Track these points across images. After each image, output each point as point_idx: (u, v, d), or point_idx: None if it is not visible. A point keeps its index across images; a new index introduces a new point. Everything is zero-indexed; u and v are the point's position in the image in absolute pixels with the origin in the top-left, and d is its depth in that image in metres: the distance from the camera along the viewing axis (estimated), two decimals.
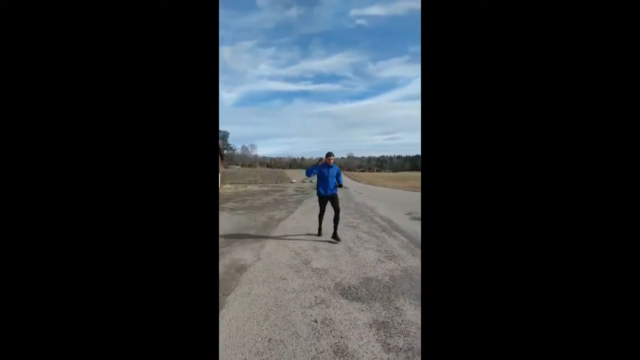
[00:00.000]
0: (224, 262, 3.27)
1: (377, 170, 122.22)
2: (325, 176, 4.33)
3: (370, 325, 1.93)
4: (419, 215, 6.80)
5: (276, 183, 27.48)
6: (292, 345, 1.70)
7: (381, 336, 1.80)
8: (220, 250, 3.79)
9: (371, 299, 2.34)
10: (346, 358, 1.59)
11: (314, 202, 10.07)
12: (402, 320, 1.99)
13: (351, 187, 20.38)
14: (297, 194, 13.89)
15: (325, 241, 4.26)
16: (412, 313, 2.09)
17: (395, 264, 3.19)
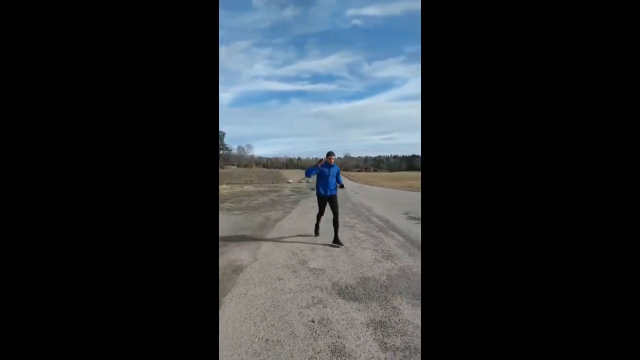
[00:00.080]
0: (220, 263, 3.25)
1: (374, 170, 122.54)
2: (326, 176, 4.13)
3: (368, 324, 1.93)
4: (416, 214, 6.83)
5: (273, 183, 27.43)
6: (289, 345, 1.69)
7: (378, 335, 1.80)
8: None
9: (368, 298, 2.34)
10: (344, 358, 1.58)
11: (311, 202, 10.07)
12: (399, 320, 1.99)
13: (348, 187, 20.41)
14: (293, 194, 13.87)
15: (323, 241, 4.26)
16: (409, 312, 2.10)
17: (392, 264, 3.19)
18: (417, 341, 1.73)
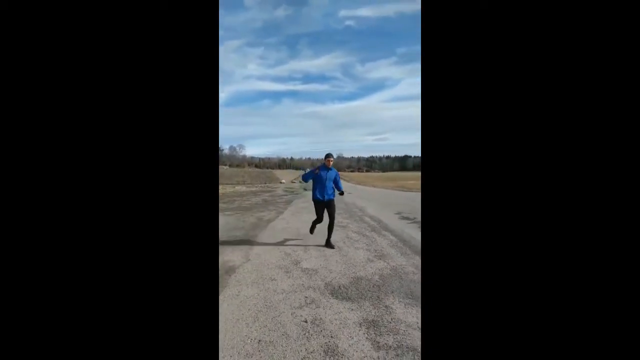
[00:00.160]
0: None
1: (367, 171, 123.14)
2: (323, 179, 3.88)
3: (360, 324, 1.94)
4: (408, 214, 6.89)
5: (265, 183, 27.28)
6: (282, 346, 1.69)
7: (371, 335, 1.81)
8: None
9: (361, 298, 2.35)
10: (336, 357, 1.59)
11: (303, 202, 10.06)
12: (391, 319, 2.00)
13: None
14: (286, 195, 13.83)
15: (315, 242, 4.25)
16: (401, 311, 2.11)
17: (385, 263, 3.21)
18: (409, 339, 1.75)
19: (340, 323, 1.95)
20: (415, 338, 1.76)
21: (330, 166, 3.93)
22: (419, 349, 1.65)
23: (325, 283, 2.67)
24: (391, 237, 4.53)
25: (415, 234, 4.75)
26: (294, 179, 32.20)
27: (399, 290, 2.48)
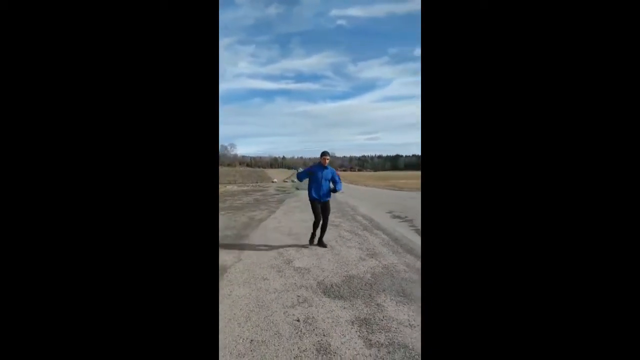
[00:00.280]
0: None
1: (359, 170, 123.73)
2: (319, 179, 3.71)
3: (353, 322, 1.95)
4: (399, 213, 6.96)
5: (257, 183, 27.11)
6: (274, 345, 1.68)
7: (363, 332, 1.82)
8: None
9: (353, 296, 2.37)
10: (329, 356, 1.59)
11: (295, 202, 10.04)
12: (383, 316, 2.02)
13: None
14: (278, 194, 13.78)
15: (307, 241, 4.25)
16: (392, 309, 2.13)
17: (377, 262, 3.24)
18: (400, 337, 1.77)
19: (333, 321, 1.96)
20: (406, 335, 1.78)
21: (326, 164, 3.74)
22: (410, 346, 1.67)
23: (318, 282, 2.67)
24: (383, 235, 4.56)
25: (406, 232, 4.81)
26: (286, 178, 32.12)
27: (390, 289, 2.50)
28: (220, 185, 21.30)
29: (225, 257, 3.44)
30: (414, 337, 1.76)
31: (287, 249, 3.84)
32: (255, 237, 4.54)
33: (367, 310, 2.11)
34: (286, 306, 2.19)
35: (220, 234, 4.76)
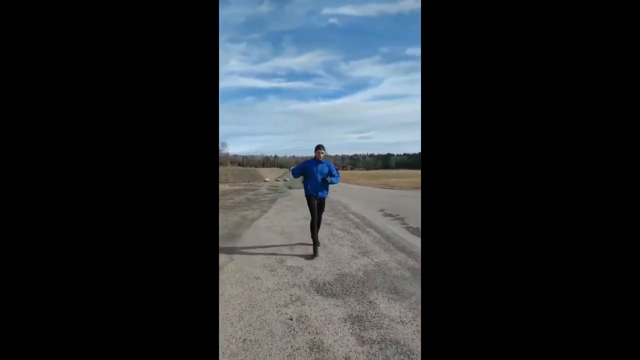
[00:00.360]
0: None
1: (351, 169, 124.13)
2: (315, 174, 3.48)
3: (345, 320, 1.97)
4: (391, 211, 7.03)
5: (249, 182, 26.92)
6: (267, 344, 1.68)
7: (356, 330, 1.84)
8: None
9: (346, 294, 2.38)
10: (322, 353, 1.60)
11: (287, 201, 10.02)
12: (375, 314, 2.04)
13: None
14: (270, 193, 13.72)
15: (300, 240, 4.26)
16: (384, 306, 2.16)
17: (369, 260, 3.27)
18: (392, 333, 1.79)
19: (326, 319, 1.97)
20: (398, 332, 1.81)
21: (321, 159, 3.51)
22: (402, 342, 1.69)
23: (311, 280, 2.68)
24: (375, 233, 4.60)
25: (397, 230, 4.85)
26: (278, 177, 31.97)
27: (382, 286, 2.53)
28: None
29: None
30: (405, 334, 1.79)
31: (280, 248, 3.84)
32: (247, 237, 4.51)
33: (359, 308, 2.13)
34: (279, 305, 2.19)
35: None
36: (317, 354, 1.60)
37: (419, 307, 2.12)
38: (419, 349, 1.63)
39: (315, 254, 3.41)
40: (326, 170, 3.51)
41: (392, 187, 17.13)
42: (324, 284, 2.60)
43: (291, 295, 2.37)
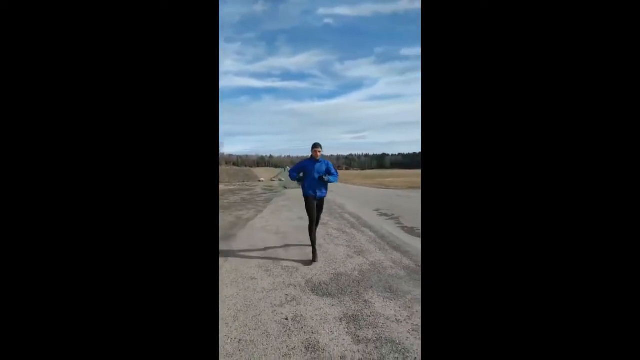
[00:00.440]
0: None
1: (346, 169, 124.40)
2: (312, 173, 3.32)
3: (341, 319, 1.97)
4: (386, 211, 7.06)
5: (244, 182, 26.78)
6: (262, 344, 1.68)
7: (351, 329, 1.84)
8: None
9: (341, 293, 2.39)
10: (317, 353, 1.60)
11: (283, 200, 9.99)
12: (370, 313, 2.05)
13: None
14: (265, 193, 13.67)
15: (295, 240, 4.25)
16: (380, 305, 2.17)
17: (364, 259, 3.28)
18: (387, 332, 1.80)
19: (321, 319, 1.97)
20: (393, 330, 1.82)
21: (318, 157, 3.35)
22: (397, 341, 1.71)
23: (306, 280, 2.68)
24: (370, 233, 4.62)
25: (392, 230, 4.88)
26: (274, 177, 31.88)
27: (377, 285, 2.54)
28: None
29: None
30: (400, 332, 1.80)
31: (275, 248, 3.83)
32: (242, 237, 4.50)
33: (354, 307, 2.14)
34: (274, 305, 2.18)
35: None
36: (313, 353, 1.60)
37: (414, 305, 2.14)
38: (414, 347, 1.64)
39: (314, 259, 3.24)
40: (324, 169, 3.36)
41: (387, 187, 17.21)
42: (320, 283, 2.60)
43: (287, 295, 2.36)
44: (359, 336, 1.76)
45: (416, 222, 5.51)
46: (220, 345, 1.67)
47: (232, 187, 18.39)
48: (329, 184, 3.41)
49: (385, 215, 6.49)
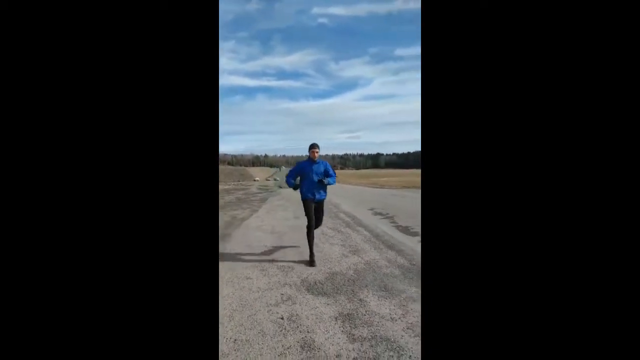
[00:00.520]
0: None
1: (341, 168, 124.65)
2: (310, 175, 3.18)
3: (336, 318, 1.98)
4: (381, 210, 7.10)
5: (238, 181, 26.64)
6: (258, 344, 1.68)
7: (346, 328, 1.85)
8: None
9: (336, 292, 2.40)
10: (313, 352, 1.61)
11: (278, 200, 9.98)
12: (365, 311, 2.07)
13: None
14: (260, 192, 13.63)
15: (291, 239, 4.25)
16: (375, 303, 2.19)
17: (359, 258, 3.30)
18: (382, 330, 1.82)
19: (316, 318, 1.98)
20: (388, 328, 1.84)
21: (315, 158, 3.20)
22: (392, 339, 1.72)
23: (302, 279, 2.68)
24: (365, 232, 4.64)
25: (387, 229, 4.91)
26: (269, 177, 31.78)
27: (372, 284, 2.56)
28: None
29: None
30: (395, 330, 1.81)
31: (270, 248, 3.83)
32: (237, 236, 4.48)
33: (350, 306, 2.15)
34: (270, 304, 2.18)
35: None
36: (309, 352, 1.61)
37: (409, 304, 2.16)
38: (408, 345, 1.66)
39: (312, 263, 3.08)
40: (322, 170, 3.22)
41: (381, 187, 17.29)
42: (315, 282, 2.61)
43: (282, 294, 2.37)
44: (354, 335, 1.77)
45: (410, 221, 5.55)
46: None
47: (227, 187, 18.28)
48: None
49: (380, 214, 6.53)
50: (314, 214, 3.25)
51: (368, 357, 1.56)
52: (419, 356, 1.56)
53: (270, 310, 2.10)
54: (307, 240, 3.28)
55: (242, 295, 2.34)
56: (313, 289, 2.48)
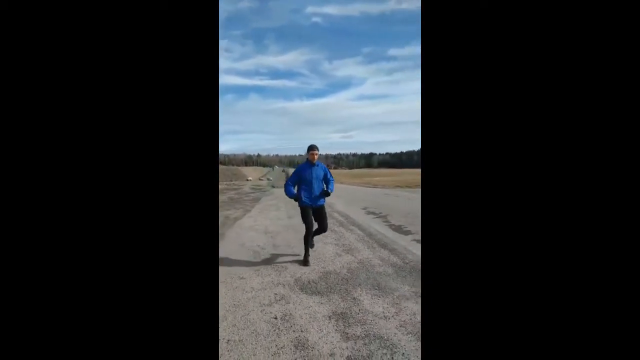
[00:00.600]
0: None
1: (334, 168, 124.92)
2: (308, 179, 3.00)
3: (330, 317, 1.98)
4: (374, 209, 7.14)
5: (231, 181, 26.44)
6: (251, 344, 1.67)
7: (340, 326, 1.86)
8: None
9: (330, 291, 2.40)
10: (307, 351, 1.61)
11: (271, 200, 9.94)
12: (359, 310, 2.07)
13: None
14: (253, 192, 13.55)
15: (285, 239, 4.24)
16: (368, 302, 2.20)
17: (352, 257, 3.31)
18: (376, 329, 1.83)
19: (310, 317, 1.98)
20: (381, 327, 1.85)
21: (315, 161, 3.02)
22: (385, 337, 1.73)
23: (295, 279, 2.68)
24: (358, 231, 4.66)
25: (380, 228, 4.94)
26: (262, 176, 31.62)
27: (365, 283, 2.57)
28: None
29: None
30: (388, 328, 1.83)
31: (264, 247, 3.81)
32: (230, 236, 4.45)
33: (343, 305, 2.16)
34: (263, 304, 2.17)
35: None
36: (302, 351, 1.61)
37: (402, 302, 2.18)
38: (402, 342, 1.67)
39: (306, 263, 3.06)
40: (322, 174, 3.06)
41: (374, 186, 17.39)
42: (309, 282, 2.61)
43: (275, 294, 2.36)
44: (347, 333, 1.78)
45: (403, 220, 5.60)
46: None
47: (219, 187, 18.11)
48: None
49: (373, 213, 6.56)
50: (318, 220, 3.12)
51: (362, 355, 1.56)
52: (412, 353, 1.57)
53: (264, 310, 2.09)
54: (302, 241, 3.24)
55: (236, 295, 2.32)
56: (307, 288, 2.48)
